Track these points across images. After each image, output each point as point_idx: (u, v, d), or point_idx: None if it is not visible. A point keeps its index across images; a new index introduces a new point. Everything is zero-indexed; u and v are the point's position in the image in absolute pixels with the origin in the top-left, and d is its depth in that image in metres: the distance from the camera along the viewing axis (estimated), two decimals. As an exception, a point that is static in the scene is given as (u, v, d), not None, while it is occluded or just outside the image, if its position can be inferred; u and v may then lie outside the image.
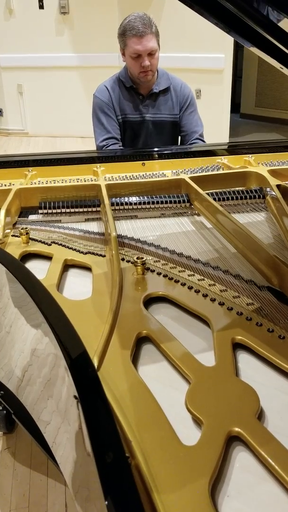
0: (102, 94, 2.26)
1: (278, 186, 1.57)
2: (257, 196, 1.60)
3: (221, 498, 0.64)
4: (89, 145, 2.32)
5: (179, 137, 2.39)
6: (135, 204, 1.58)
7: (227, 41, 4.67)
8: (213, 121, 4.94)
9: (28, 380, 0.92)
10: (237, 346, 0.92)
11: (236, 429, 0.71)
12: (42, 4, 5.55)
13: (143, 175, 1.83)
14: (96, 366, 0.84)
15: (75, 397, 0.67)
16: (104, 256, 1.27)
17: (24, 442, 1.80)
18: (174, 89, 2.28)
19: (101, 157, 1.96)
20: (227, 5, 0.97)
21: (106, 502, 0.52)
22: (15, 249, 1.31)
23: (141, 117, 2.27)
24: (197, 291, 1.08)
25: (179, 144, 2.40)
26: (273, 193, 1.54)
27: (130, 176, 1.81)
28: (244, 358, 0.89)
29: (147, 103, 2.26)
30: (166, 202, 1.58)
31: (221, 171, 1.83)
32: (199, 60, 4.97)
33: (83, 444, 0.64)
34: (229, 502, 0.63)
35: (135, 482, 0.55)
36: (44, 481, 1.68)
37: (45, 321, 0.84)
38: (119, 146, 2.25)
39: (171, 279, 1.13)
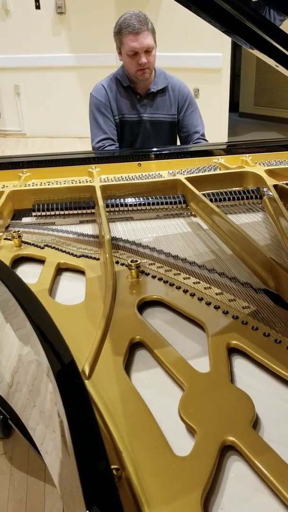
0: (99, 93, 2.24)
1: (275, 186, 1.55)
2: (254, 197, 1.58)
3: (215, 511, 0.62)
4: (87, 146, 2.30)
5: (180, 138, 2.37)
6: (131, 205, 1.55)
7: (225, 40, 4.65)
8: (212, 121, 4.90)
9: (17, 385, 0.90)
10: (233, 351, 0.89)
11: (231, 438, 0.69)
12: (39, 4, 5.53)
13: (139, 175, 1.81)
14: (87, 373, 0.82)
15: (56, 403, 0.65)
16: (98, 259, 1.25)
17: (21, 447, 1.78)
18: (172, 89, 2.26)
19: (97, 157, 1.93)
20: (223, 5, 0.96)
21: None
22: (7, 252, 1.29)
23: (138, 117, 2.25)
24: (192, 295, 1.06)
25: (180, 144, 2.38)
26: (270, 193, 1.52)
27: (125, 177, 1.79)
28: (239, 364, 0.87)
29: (144, 102, 2.24)
30: (162, 203, 1.56)
31: (217, 171, 1.81)
32: (197, 59, 4.95)
33: (67, 452, 0.62)
34: (223, 515, 0.61)
35: (119, 496, 0.53)
36: (41, 487, 1.66)
37: (30, 327, 0.82)
38: (116, 147, 2.23)
39: (166, 282, 1.11)
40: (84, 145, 5.20)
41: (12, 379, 0.93)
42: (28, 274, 1.19)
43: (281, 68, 1.14)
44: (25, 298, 0.90)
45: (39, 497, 1.62)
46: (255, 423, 0.73)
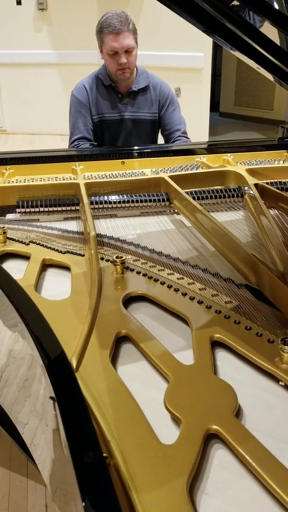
0: (79, 93, 2.25)
1: (256, 185, 1.58)
2: (235, 195, 1.61)
3: (199, 496, 0.64)
4: (68, 143, 2.33)
5: (163, 136, 2.39)
6: (115, 202, 1.57)
7: (206, 40, 4.69)
8: (193, 120, 4.94)
9: (6, 381, 0.91)
10: (216, 344, 0.92)
11: (214, 427, 0.72)
12: (20, 0, 5.48)
13: (122, 173, 1.82)
14: (74, 366, 0.83)
15: (51, 398, 0.66)
16: (83, 255, 1.26)
17: (3, 444, 1.78)
18: (154, 88, 2.28)
19: (80, 155, 1.94)
20: (205, 6, 0.98)
21: (84, 503, 0.51)
22: (-8, 248, 1.29)
23: (120, 116, 2.27)
24: (176, 290, 1.08)
25: (163, 143, 2.40)
26: (251, 192, 1.55)
27: (109, 175, 1.80)
28: (222, 356, 0.90)
29: (126, 101, 2.25)
30: (146, 201, 1.58)
31: (200, 170, 1.84)
32: (178, 59, 4.98)
33: (61, 444, 0.64)
34: (208, 499, 0.64)
35: (112, 483, 0.55)
36: (24, 482, 1.67)
37: (21, 322, 0.83)
38: (90, 145, 2.24)
39: (150, 278, 1.13)
40: (65, 142, 5.15)
41: (1, 375, 0.94)
42: (13, 270, 1.20)
43: (262, 70, 1.16)
44: (14, 293, 0.91)
45: (22, 493, 1.63)
46: (238, 413, 0.76)
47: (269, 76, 1.19)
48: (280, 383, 0.82)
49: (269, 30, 1.04)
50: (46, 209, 1.54)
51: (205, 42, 4.80)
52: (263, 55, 1.08)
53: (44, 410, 0.74)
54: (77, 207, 1.56)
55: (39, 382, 0.76)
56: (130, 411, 0.75)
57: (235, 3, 1.04)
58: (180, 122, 2.35)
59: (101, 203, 1.57)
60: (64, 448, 0.60)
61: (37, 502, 1.59)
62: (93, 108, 2.24)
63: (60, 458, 0.66)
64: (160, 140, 2.47)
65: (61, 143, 5.44)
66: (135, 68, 2.22)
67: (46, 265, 1.24)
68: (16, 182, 1.73)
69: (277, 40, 1.06)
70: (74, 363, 0.84)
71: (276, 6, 1.04)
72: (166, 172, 1.78)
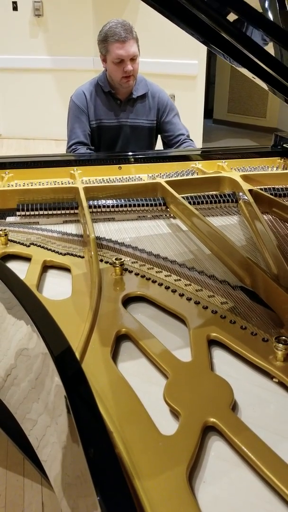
0: (78, 98, 2.29)
1: (250, 190, 1.63)
2: (230, 200, 1.66)
3: (198, 484, 0.68)
4: (62, 148, 2.37)
5: (167, 142, 2.44)
6: (113, 206, 1.61)
7: (201, 48, 4.76)
8: (187, 126, 5.00)
9: (13, 380, 0.94)
10: (212, 342, 0.96)
11: (212, 419, 0.75)
12: (16, 6, 5.53)
13: (120, 178, 1.86)
14: (77, 363, 0.87)
15: (65, 396, 0.70)
16: (83, 257, 1.30)
17: (0, 442, 1.80)
18: (152, 96, 2.33)
19: (78, 160, 1.98)
20: (201, 15, 1.02)
21: (98, 498, 0.55)
22: (-6, 250, 1.32)
23: (118, 122, 2.31)
24: (173, 291, 1.12)
25: (162, 149, 2.45)
26: (246, 197, 1.60)
27: (106, 180, 1.84)
28: (218, 354, 0.94)
29: (124, 108, 2.30)
30: (143, 205, 1.62)
31: (196, 176, 1.89)
32: (173, 66, 5.05)
33: (75, 442, 0.67)
34: (205, 487, 0.67)
35: (125, 479, 0.58)
36: (20, 481, 1.69)
37: (32, 322, 0.86)
38: (86, 149, 2.29)
39: (148, 279, 1.17)
40: (60, 147, 5.22)
41: (7, 375, 0.96)
42: (15, 271, 1.22)
43: (257, 80, 1.21)
44: (27, 296, 0.95)
45: (19, 491, 1.65)
46: (234, 408, 0.80)
47: (264, 85, 1.23)
48: (274, 379, 0.86)
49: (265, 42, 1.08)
50: (45, 212, 1.58)
51: (200, 50, 4.87)
52: (259, 66, 1.12)
53: (55, 408, 0.77)
54: (76, 211, 1.60)
55: (51, 380, 0.79)
56: (131, 404, 0.79)
57: (232, 15, 1.08)
58: (181, 127, 2.40)
59: (99, 207, 1.60)
60: (78, 444, 0.64)
61: (34, 500, 1.61)
62: (91, 114, 2.28)
63: (72, 455, 0.70)
64: (158, 146, 2.52)
65: (56, 148, 5.48)
66: None
67: (46, 266, 1.28)
68: (16, 186, 1.76)
69: (271, 50, 1.11)
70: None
71: (271, 17, 1.09)
72: (163, 178, 1.82)
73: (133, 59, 2.14)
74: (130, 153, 2.08)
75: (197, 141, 5.28)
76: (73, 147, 2.29)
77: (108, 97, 2.28)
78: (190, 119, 5.14)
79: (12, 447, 1.74)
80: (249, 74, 1.19)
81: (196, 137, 5.27)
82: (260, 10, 1.08)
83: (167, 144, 2.43)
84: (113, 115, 2.30)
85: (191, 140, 2.41)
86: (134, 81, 2.24)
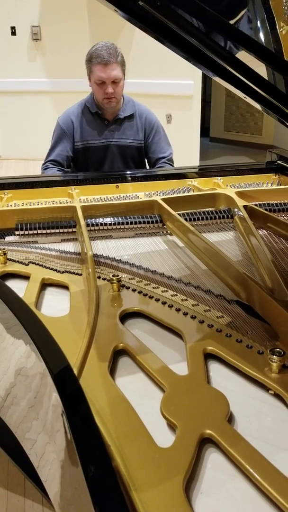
0: (63, 120, 2.35)
1: (245, 207, 1.65)
2: (225, 216, 1.68)
3: (195, 495, 0.68)
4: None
5: (148, 163, 2.48)
6: (110, 224, 1.63)
7: (196, 68, 4.83)
8: (184, 145, 5.08)
9: (13, 399, 0.95)
10: (209, 356, 0.97)
11: (208, 431, 0.76)
12: (15, 31, 5.65)
13: (117, 197, 1.89)
14: (75, 378, 0.88)
15: (62, 414, 0.71)
16: (81, 274, 1.32)
17: (1, 463, 1.80)
18: (139, 116, 2.38)
19: (76, 180, 2.02)
20: (191, 39, 1.05)
21: None
22: (-7, 269, 1.34)
23: (105, 142, 2.35)
24: (170, 306, 1.13)
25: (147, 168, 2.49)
26: (241, 213, 1.62)
27: (104, 198, 1.87)
28: (215, 367, 0.95)
29: (112, 128, 2.35)
30: (140, 222, 1.64)
31: (192, 193, 1.92)
32: (170, 86, 5.14)
33: (73, 459, 0.68)
34: (203, 498, 0.68)
35: (123, 495, 0.59)
36: (21, 501, 1.68)
37: (31, 341, 0.88)
38: (58, 170, 2.32)
39: (145, 295, 1.19)
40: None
41: (7, 394, 0.97)
42: (14, 289, 1.25)
43: (249, 100, 1.24)
44: (27, 315, 0.96)
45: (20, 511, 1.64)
46: (230, 419, 0.81)
47: (256, 105, 1.26)
48: (269, 391, 0.87)
49: (256, 64, 1.11)
50: (44, 231, 1.60)
51: (195, 71, 4.96)
52: (249, 86, 1.15)
53: (53, 426, 0.78)
54: (74, 229, 1.62)
55: (49, 399, 0.80)
56: (128, 418, 0.80)
57: (221, 37, 1.12)
58: (165, 150, 2.44)
59: (96, 225, 1.63)
60: (76, 462, 0.65)
61: (35, 520, 1.60)
62: (77, 135, 2.33)
63: (70, 474, 0.70)
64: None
65: (55, 168, 5.53)
66: (122, 97, 2.32)
67: (45, 284, 1.29)
68: (15, 206, 1.79)
69: (263, 72, 1.14)
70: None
71: (262, 40, 1.12)
72: (159, 195, 1.85)
73: (114, 82, 2.19)
74: (128, 172, 2.12)
75: (194, 159, 5.34)
76: (47, 163, 2.34)
77: (95, 118, 2.33)
78: (187, 138, 5.22)
79: (13, 468, 1.73)
80: (240, 94, 1.23)
81: (193, 155, 5.34)
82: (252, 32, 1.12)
83: (149, 164, 2.47)
84: (101, 135, 2.34)
85: (170, 164, 2.44)
86: (117, 103, 2.28)
